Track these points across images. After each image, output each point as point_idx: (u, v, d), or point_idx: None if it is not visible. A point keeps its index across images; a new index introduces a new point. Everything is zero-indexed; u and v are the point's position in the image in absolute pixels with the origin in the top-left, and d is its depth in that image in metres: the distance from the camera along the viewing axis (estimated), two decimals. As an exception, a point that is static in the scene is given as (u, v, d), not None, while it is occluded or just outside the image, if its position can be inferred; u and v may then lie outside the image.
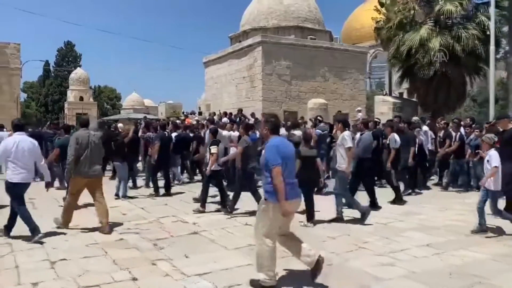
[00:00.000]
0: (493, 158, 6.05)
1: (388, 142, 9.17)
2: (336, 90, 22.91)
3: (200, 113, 23.43)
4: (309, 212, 6.68)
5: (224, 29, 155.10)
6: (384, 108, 18.22)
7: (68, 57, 58.20)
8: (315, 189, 7.57)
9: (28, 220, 5.71)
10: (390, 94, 26.83)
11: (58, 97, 56.31)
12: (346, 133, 6.74)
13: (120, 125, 15.17)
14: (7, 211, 6.21)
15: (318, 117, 12.87)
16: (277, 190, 3.85)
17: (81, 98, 49.58)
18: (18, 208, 5.74)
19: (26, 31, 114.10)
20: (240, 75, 22.73)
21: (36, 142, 6.05)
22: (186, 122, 19.16)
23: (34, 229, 5.67)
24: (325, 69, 22.49)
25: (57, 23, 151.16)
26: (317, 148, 8.72)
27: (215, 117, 16.87)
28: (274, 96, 21.28)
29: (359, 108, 21.05)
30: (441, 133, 11.01)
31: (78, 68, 52.66)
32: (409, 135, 9.70)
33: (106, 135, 9.19)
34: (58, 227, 6.45)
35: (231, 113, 17.72)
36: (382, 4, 18.83)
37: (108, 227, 6.29)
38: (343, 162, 6.77)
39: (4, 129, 14.28)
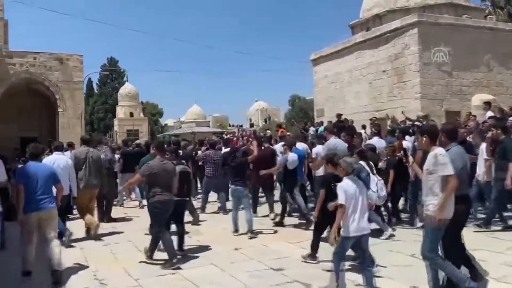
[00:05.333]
0: None
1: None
2: (502, 83, 17.89)
3: (251, 125, 19.17)
4: None
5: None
6: None
7: (112, 73, 54.90)
8: None
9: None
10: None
11: (103, 114, 53.09)
12: (439, 152, 3.92)
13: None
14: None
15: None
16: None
17: (131, 114, 46.17)
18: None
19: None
20: (377, 69, 17.97)
21: (70, 161, 6.96)
22: (279, 133, 14.99)
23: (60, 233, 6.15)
24: (488, 56, 17.54)
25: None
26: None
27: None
28: (433, 92, 16.42)
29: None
30: None
31: (127, 83, 49.18)
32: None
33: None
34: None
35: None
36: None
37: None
38: (433, 201, 3.88)
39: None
